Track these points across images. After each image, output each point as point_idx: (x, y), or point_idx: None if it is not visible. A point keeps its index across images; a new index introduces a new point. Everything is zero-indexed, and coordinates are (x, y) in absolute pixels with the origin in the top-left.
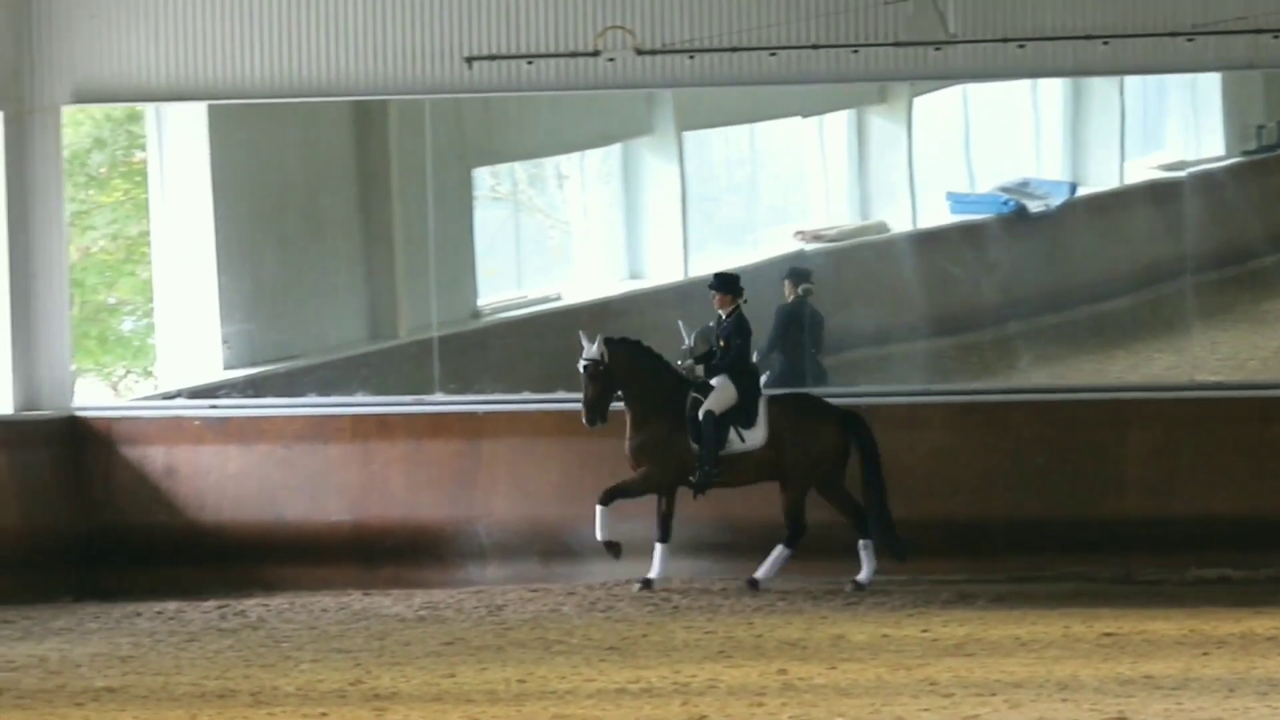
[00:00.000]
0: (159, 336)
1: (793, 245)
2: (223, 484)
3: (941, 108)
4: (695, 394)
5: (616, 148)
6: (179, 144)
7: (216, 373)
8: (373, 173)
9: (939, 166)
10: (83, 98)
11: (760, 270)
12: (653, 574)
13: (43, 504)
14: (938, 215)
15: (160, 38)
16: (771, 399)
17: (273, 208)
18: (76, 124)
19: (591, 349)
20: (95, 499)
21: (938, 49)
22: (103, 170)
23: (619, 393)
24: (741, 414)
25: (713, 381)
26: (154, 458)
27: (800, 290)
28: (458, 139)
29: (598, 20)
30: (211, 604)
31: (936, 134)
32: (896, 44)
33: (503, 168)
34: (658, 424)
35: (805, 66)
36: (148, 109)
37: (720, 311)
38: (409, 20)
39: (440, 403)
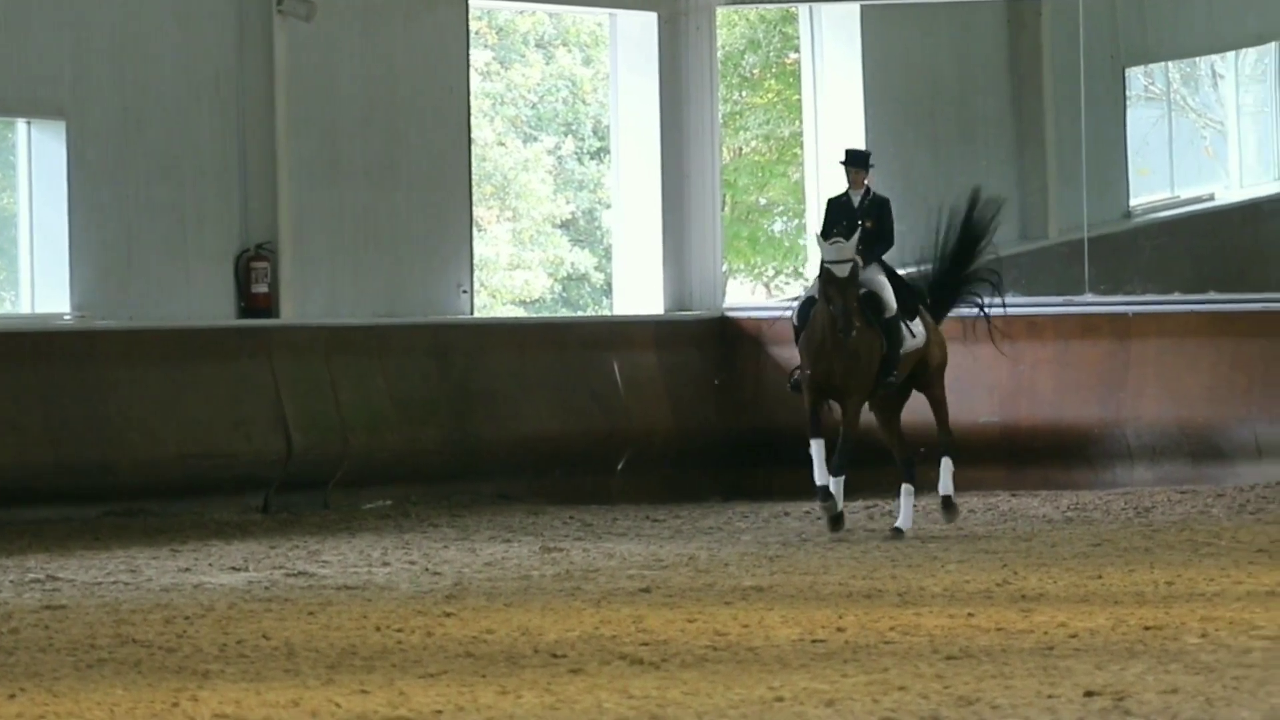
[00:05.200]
0: (809, 237)
1: None
2: None
3: None
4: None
5: (1271, 47)
6: (832, 45)
7: None
8: (1024, 73)
9: None
10: None
11: None
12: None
13: (691, 405)
14: None
15: None
16: None
17: (924, 109)
18: (730, 25)
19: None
20: (744, 400)
21: None
22: (755, 71)
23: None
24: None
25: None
26: None
27: None
28: (1110, 39)
29: None
30: (859, 504)
31: None
32: None
33: (1156, 67)
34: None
35: None
36: (801, 10)
37: (853, 192)
38: None
39: (1090, 304)
